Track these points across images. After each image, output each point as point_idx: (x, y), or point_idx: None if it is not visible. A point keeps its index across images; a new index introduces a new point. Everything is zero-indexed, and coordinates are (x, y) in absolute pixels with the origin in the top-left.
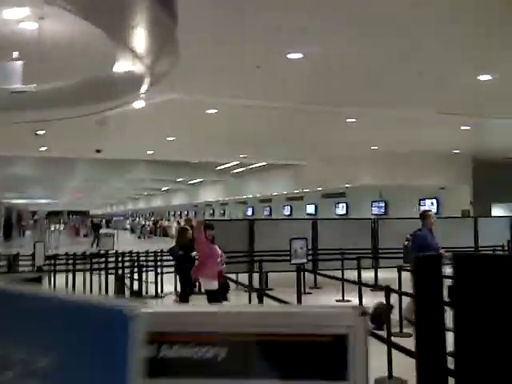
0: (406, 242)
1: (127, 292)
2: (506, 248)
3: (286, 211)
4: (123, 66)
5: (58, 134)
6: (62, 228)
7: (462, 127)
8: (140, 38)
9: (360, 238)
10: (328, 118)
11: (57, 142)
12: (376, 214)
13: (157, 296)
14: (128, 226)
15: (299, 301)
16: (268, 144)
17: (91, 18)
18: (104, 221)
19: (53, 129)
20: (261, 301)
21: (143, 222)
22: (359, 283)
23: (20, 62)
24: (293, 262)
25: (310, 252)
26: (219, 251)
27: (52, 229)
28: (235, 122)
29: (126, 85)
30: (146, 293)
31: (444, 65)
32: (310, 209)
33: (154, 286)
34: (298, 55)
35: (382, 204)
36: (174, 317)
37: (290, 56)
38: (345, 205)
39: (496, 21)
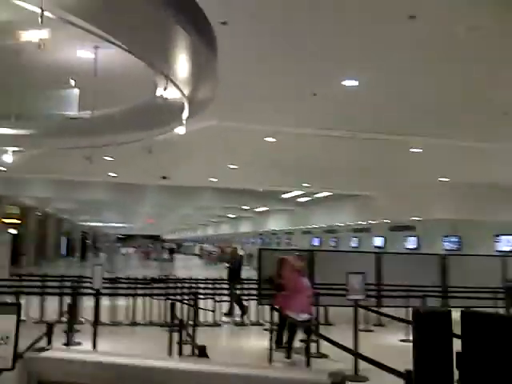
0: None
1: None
2: None
3: (354, 243)
4: (166, 93)
5: (125, 160)
6: (132, 251)
7: None
8: (179, 66)
9: (428, 275)
10: (391, 147)
11: (124, 168)
12: (448, 250)
13: (215, 324)
14: (197, 252)
15: (355, 339)
16: (330, 173)
17: (131, 47)
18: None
19: (120, 155)
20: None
21: (210, 248)
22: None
23: (77, 90)
24: (348, 297)
25: (373, 287)
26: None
27: (123, 252)
28: (294, 150)
29: (169, 112)
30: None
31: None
32: (378, 241)
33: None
34: (354, 82)
35: (455, 239)
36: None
37: (344, 83)
38: (415, 239)
39: None
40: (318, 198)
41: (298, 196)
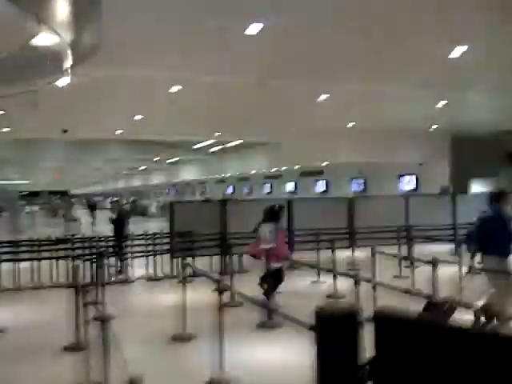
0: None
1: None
2: None
3: (266, 189)
4: (43, 40)
5: (20, 114)
6: (37, 209)
7: (440, 102)
8: (56, 8)
9: (337, 218)
10: (300, 93)
11: (19, 122)
12: (355, 192)
13: (127, 280)
14: (109, 206)
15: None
16: (241, 122)
17: None
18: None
19: (13, 109)
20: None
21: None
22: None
23: None
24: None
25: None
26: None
27: (28, 210)
28: (203, 99)
29: (49, 60)
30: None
31: (419, 38)
32: (290, 186)
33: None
34: (259, 25)
35: (362, 181)
36: None
37: (251, 26)
38: (324, 182)
39: None
40: (230, 146)
41: (210, 145)
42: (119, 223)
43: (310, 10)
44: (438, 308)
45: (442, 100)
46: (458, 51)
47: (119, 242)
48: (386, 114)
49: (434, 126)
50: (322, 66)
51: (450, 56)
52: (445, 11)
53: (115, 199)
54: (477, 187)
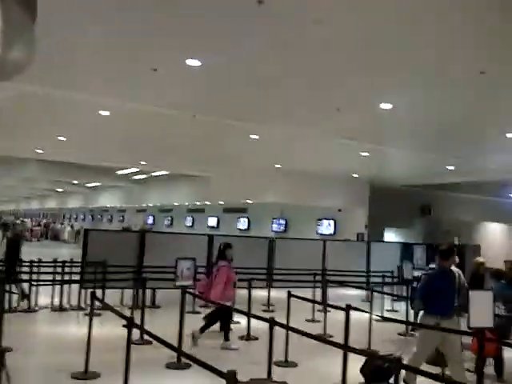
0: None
1: None
2: (396, 274)
3: (188, 222)
4: None
5: None
6: None
7: (362, 153)
8: None
9: (257, 257)
10: (230, 132)
11: None
12: (276, 232)
13: (29, 309)
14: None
15: (181, 321)
16: (168, 153)
17: None
18: None
19: None
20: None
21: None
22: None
23: None
24: (177, 284)
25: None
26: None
27: None
28: (131, 126)
29: None
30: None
31: (343, 91)
32: (212, 221)
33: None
34: (196, 62)
35: (283, 221)
36: None
37: (188, 62)
38: (246, 220)
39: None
40: (155, 176)
41: (134, 173)
42: (15, 246)
43: (245, 52)
44: (379, 365)
45: (364, 152)
46: (382, 107)
47: (14, 266)
48: (310, 159)
49: (355, 175)
50: (252, 108)
51: (374, 111)
52: (370, 69)
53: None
54: (390, 236)
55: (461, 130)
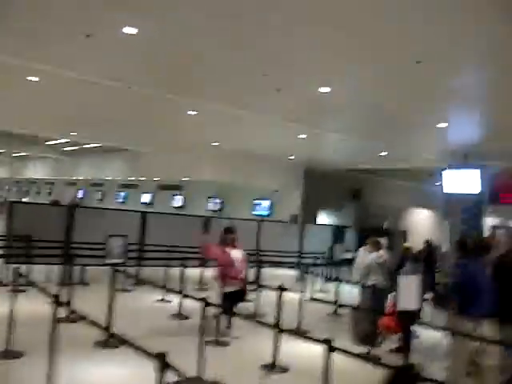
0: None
1: None
2: (327, 255)
3: (120, 198)
4: None
5: None
6: None
7: (299, 135)
8: None
9: (191, 235)
10: (167, 106)
11: None
12: (212, 210)
13: None
14: None
15: (111, 299)
16: (101, 125)
17: None
18: None
19: None
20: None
21: None
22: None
23: None
24: (107, 261)
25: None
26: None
27: None
28: (61, 94)
29: None
30: None
31: (288, 71)
32: (146, 198)
33: None
34: (133, 30)
35: (219, 201)
36: None
37: (124, 30)
38: (182, 198)
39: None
40: (87, 148)
41: (64, 144)
42: None
43: (182, 21)
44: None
45: (302, 134)
46: (321, 90)
47: None
48: (248, 139)
49: (291, 157)
50: (189, 82)
51: (313, 94)
52: (311, 51)
53: None
54: (323, 218)
55: (395, 118)
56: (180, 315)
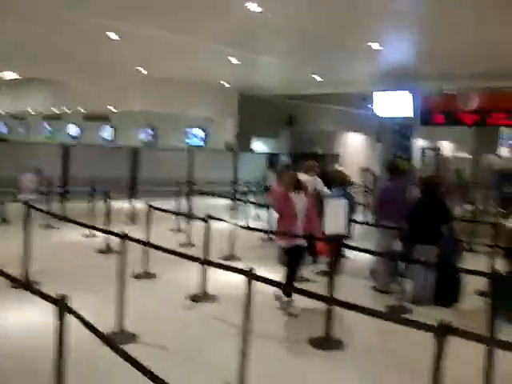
0: None
1: None
2: (262, 183)
3: (46, 131)
4: None
5: None
6: None
7: (232, 59)
8: None
9: (120, 168)
10: (87, 29)
11: None
12: (144, 141)
13: None
14: None
15: (26, 238)
16: (15, 53)
17: None
18: None
19: None
20: None
21: None
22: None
23: None
24: (19, 197)
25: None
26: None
27: None
28: None
29: None
30: None
31: None
32: (73, 130)
33: None
34: None
35: (151, 131)
36: None
37: None
38: (111, 129)
39: None
40: (4, 79)
41: None
42: None
43: None
44: None
45: (234, 58)
46: (251, 9)
47: None
48: (178, 65)
49: (225, 83)
50: (113, 3)
51: (243, 13)
52: None
53: None
54: (258, 146)
55: (327, 38)
56: (108, 250)
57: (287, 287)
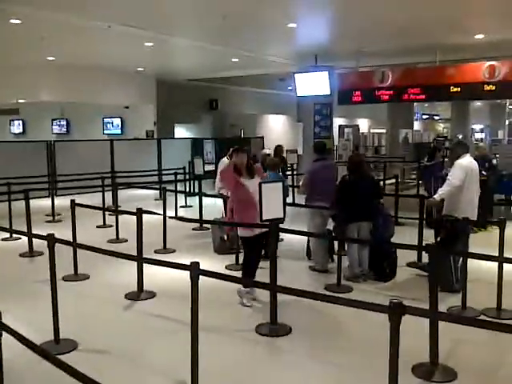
0: None
1: None
2: (188, 170)
3: None
4: None
5: None
6: None
7: (146, 43)
8: None
9: (35, 164)
10: None
11: None
12: (57, 134)
13: None
14: None
15: None
16: None
17: None
18: None
19: None
20: None
21: None
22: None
23: None
24: None
25: None
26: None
27: None
28: None
29: None
30: None
31: None
32: None
33: None
34: None
35: (64, 122)
36: None
37: None
38: (21, 122)
39: None
40: None
41: None
42: None
43: None
44: None
45: (148, 42)
46: None
47: None
48: (89, 51)
49: (140, 69)
50: None
51: None
52: None
53: None
54: (180, 132)
55: (244, 18)
56: (32, 252)
57: (246, 279)
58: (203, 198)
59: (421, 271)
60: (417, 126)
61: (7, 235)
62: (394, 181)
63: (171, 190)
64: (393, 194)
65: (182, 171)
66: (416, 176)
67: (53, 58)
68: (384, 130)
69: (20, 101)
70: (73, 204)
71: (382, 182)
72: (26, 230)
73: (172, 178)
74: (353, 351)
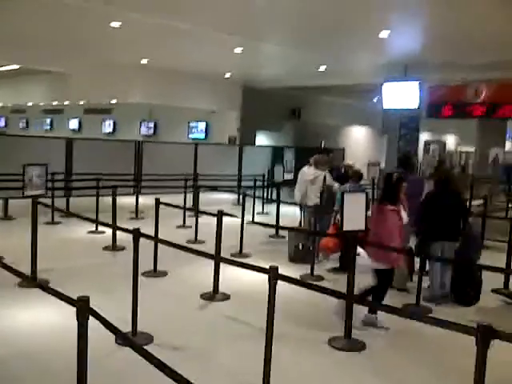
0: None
1: None
2: (267, 177)
3: (46, 125)
4: None
5: None
6: None
7: (235, 49)
8: None
9: (123, 162)
10: (87, 16)
11: None
12: (145, 135)
13: None
14: None
15: (34, 234)
16: (19, 44)
17: None
18: None
19: None
20: None
21: None
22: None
23: None
24: (27, 193)
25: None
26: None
27: None
28: None
29: None
30: None
31: None
32: (73, 124)
33: None
34: None
35: (152, 124)
36: None
37: None
38: (112, 122)
39: None
40: (3, 71)
41: None
42: None
43: None
44: None
45: (236, 47)
46: None
47: None
48: (181, 55)
49: (228, 75)
50: None
51: None
52: None
53: None
54: (261, 139)
55: (335, 27)
56: (114, 246)
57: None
58: (281, 205)
59: (508, 299)
60: (509, 145)
61: (93, 228)
62: (481, 201)
63: (250, 195)
64: (480, 215)
65: (260, 178)
66: (506, 198)
67: (146, 61)
68: (472, 149)
69: (112, 101)
70: (157, 202)
71: (467, 202)
72: (115, 225)
73: (251, 183)
74: (429, 376)
